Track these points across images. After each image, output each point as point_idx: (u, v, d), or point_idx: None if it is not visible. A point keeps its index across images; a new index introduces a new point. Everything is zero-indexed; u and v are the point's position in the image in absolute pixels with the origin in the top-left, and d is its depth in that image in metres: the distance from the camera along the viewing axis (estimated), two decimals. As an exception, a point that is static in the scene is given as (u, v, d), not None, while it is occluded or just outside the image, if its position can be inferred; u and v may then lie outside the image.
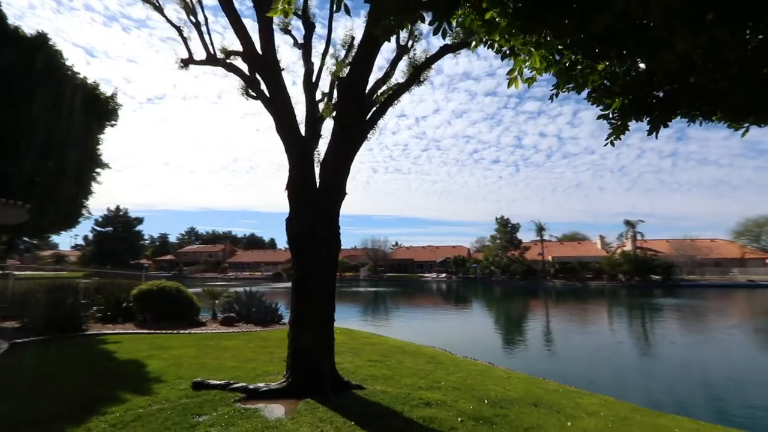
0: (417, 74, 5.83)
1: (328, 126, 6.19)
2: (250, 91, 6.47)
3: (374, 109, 5.71)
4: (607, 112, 2.94)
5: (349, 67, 5.32)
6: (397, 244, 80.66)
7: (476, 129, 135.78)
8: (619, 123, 2.93)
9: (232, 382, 4.92)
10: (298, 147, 5.50)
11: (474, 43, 2.71)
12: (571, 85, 2.91)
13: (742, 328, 18.33)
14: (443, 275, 59.66)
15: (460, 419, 4.07)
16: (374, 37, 4.99)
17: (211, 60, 6.28)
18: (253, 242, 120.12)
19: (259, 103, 6.09)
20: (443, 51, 5.79)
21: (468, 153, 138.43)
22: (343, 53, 6.55)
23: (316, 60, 6.58)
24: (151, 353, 6.89)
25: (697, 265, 48.36)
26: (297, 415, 4.04)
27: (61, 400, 4.53)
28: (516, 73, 2.72)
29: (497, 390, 5.32)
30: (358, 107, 5.40)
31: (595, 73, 2.68)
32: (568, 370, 10.36)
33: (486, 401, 4.70)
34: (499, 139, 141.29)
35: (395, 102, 5.87)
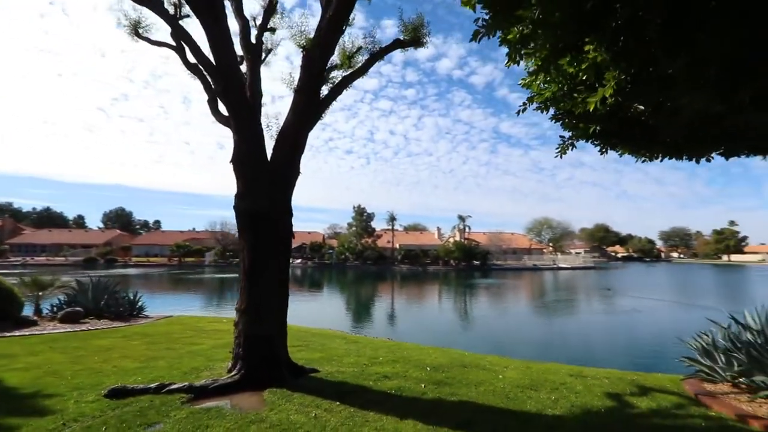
0: (371, 62, 5.90)
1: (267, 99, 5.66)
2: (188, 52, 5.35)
3: (330, 88, 5.55)
4: (568, 134, 3.82)
5: (316, 44, 5.00)
6: (247, 227, 75.35)
7: (333, 118, 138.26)
8: (571, 142, 3.85)
9: (165, 383, 4.17)
10: (246, 116, 4.92)
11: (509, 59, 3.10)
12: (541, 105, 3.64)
13: (530, 300, 24.69)
14: (299, 261, 59.20)
15: (423, 385, 4.55)
16: (340, 19, 4.92)
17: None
18: (49, 219, 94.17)
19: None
20: (395, 45, 6.04)
21: (324, 140, 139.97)
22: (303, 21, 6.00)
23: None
24: (-10, 364, 5.05)
25: (503, 253, 61.47)
26: (273, 405, 3.79)
27: None
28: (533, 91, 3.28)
29: (425, 359, 6.01)
30: (318, 81, 5.18)
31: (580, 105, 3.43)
32: (433, 336, 12.14)
33: (429, 368, 5.31)
34: (354, 131, 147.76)
35: (348, 86, 5.81)
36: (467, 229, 61.99)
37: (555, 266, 59.89)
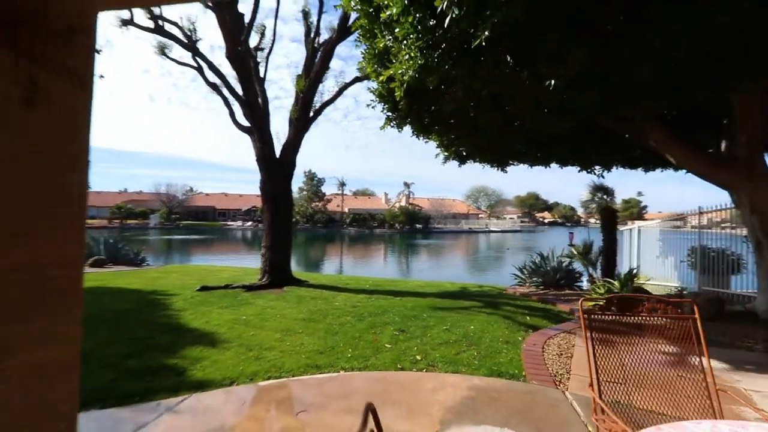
0: (340, 93, 9.23)
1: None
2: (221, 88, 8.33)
3: (315, 110, 8.87)
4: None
5: (306, 87, 8.25)
6: (192, 189, 74.55)
7: (279, 74, 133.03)
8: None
9: (229, 284, 7.65)
10: (265, 131, 8.18)
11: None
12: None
13: (463, 255, 30.18)
14: (249, 224, 60.82)
15: (367, 286, 8.45)
16: (323, 71, 8.26)
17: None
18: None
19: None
20: (355, 80, 9.39)
21: (270, 98, 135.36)
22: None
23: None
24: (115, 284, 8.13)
25: (443, 217, 67.77)
26: (289, 291, 7.48)
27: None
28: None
29: (369, 279, 9.94)
30: (307, 110, 8.52)
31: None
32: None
33: (370, 282, 9.24)
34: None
35: (325, 109, 9.14)
36: (411, 195, 67.06)
37: (487, 230, 67.60)
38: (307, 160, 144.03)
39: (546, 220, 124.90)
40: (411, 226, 60.15)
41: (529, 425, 2.69)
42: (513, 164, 8.33)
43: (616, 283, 6.78)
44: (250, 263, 21.24)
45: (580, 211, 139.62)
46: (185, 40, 8.78)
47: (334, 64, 9.54)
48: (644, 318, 2.13)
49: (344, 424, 2.71)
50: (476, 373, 3.68)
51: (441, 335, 4.85)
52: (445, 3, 2.57)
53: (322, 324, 5.25)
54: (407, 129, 5.50)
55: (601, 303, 2.18)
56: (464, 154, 6.91)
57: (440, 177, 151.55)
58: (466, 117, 4.68)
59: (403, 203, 66.68)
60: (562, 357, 4.22)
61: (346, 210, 64.29)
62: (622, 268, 9.15)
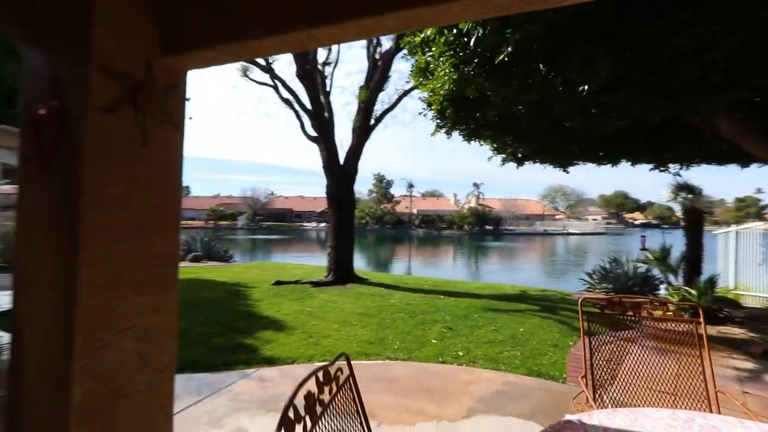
0: (399, 99, 9.69)
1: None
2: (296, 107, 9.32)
3: (375, 118, 9.43)
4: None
5: (367, 97, 8.86)
6: (273, 193, 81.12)
7: (349, 81, 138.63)
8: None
9: (299, 280, 8.51)
10: (331, 140, 8.93)
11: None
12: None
13: (535, 261, 28.72)
14: (323, 225, 64.39)
15: (425, 286, 8.75)
16: (382, 81, 8.74)
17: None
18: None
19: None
20: (412, 88, 9.76)
21: (341, 105, 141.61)
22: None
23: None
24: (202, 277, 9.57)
25: (516, 218, 64.84)
26: (351, 287, 8.08)
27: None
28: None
29: (428, 280, 10.20)
30: (368, 119, 9.10)
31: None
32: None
33: (430, 282, 9.50)
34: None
35: (385, 116, 9.66)
36: (481, 196, 65.28)
37: (564, 232, 63.06)
38: (376, 162, 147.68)
39: (637, 222, 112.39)
40: (481, 228, 58.59)
41: (553, 420, 2.81)
42: (577, 164, 7.98)
43: (693, 291, 6.20)
44: (321, 261, 22.73)
45: (679, 212, 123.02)
46: (263, 63, 9.92)
47: (397, 66, 10.00)
48: (646, 319, 2.17)
49: (381, 401, 3.09)
50: (515, 372, 3.81)
51: (488, 335, 4.99)
52: (470, 24, 2.80)
53: (375, 318, 5.69)
54: (457, 135, 5.71)
55: (603, 302, 2.25)
56: (520, 156, 6.87)
57: (512, 177, 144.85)
58: (511, 121, 4.76)
59: (472, 204, 65.21)
60: (611, 364, 4.11)
61: (414, 211, 64.78)
62: (720, 277, 8.19)
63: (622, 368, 2.15)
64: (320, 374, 1.09)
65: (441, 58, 3.50)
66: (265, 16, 1.75)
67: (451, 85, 3.56)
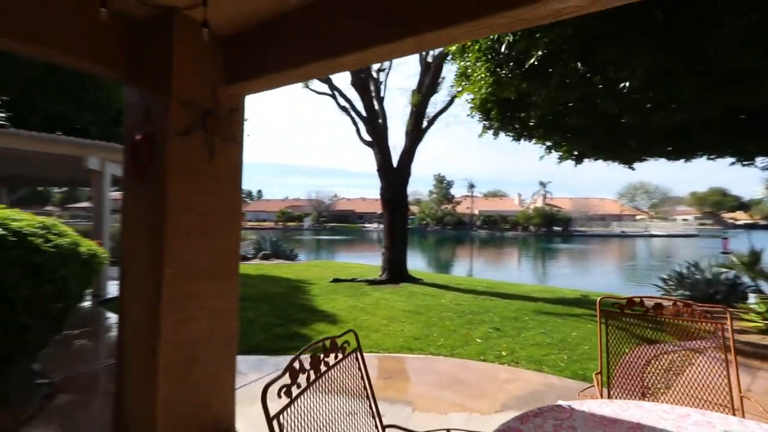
0: (451, 102, 9.77)
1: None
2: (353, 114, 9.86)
3: (428, 120, 9.60)
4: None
5: (419, 101, 9.08)
6: (336, 195, 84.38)
7: (409, 83, 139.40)
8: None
9: (371, 279, 8.97)
10: (384, 144, 9.28)
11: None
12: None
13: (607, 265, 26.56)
14: (383, 226, 65.52)
15: (478, 288, 8.70)
16: (434, 84, 8.86)
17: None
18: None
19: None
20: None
21: (402, 105, 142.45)
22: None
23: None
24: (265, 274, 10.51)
25: (588, 219, 60.23)
26: (404, 286, 8.33)
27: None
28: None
29: (482, 281, 10.08)
30: (420, 121, 9.30)
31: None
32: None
33: (484, 283, 9.41)
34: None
35: (435, 120, 9.80)
36: (549, 195, 61.69)
37: (647, 233, 57.11)
38: (437, 162, 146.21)
39: (738, 222, 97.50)
40: (548, 229, 55.38)
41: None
42: (645, 160, 7.40)
43: (787, 301, 5.46)
44: (378, 261, 23.27)
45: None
46: (323, 74, 10.61)
47: (451, 68, 10.12)
48: (671, 321, 2.10)
49: (418, 390, 3.30)
50: (558, 375, 3.77)
51: (535, 337, 4.93)
52: (501, 32, 2.90)
53: (423, 316, 5.88)
54: (504, 135, 5.68)
55: (623, 302, 2.21)
56: (575, 153, 6.58)
57: (584, 174, 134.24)
58: (558, 120, 4.64)
59: (539, 204, 61.85)
60: (669, 373, 3.86)
61: (476, 212, 63.20)
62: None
63: (680, 379, 2.14)
64: (327, 342, 1.35)
65: (477, 63, 3.61)
66: (310, 45, 2.09)
67: (489, 89, 3.64)
